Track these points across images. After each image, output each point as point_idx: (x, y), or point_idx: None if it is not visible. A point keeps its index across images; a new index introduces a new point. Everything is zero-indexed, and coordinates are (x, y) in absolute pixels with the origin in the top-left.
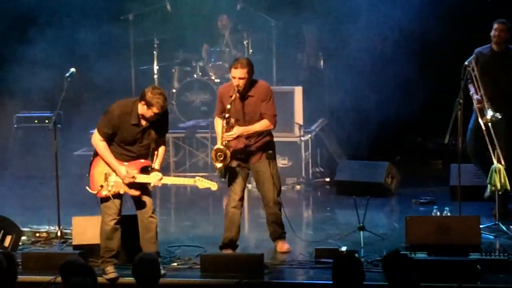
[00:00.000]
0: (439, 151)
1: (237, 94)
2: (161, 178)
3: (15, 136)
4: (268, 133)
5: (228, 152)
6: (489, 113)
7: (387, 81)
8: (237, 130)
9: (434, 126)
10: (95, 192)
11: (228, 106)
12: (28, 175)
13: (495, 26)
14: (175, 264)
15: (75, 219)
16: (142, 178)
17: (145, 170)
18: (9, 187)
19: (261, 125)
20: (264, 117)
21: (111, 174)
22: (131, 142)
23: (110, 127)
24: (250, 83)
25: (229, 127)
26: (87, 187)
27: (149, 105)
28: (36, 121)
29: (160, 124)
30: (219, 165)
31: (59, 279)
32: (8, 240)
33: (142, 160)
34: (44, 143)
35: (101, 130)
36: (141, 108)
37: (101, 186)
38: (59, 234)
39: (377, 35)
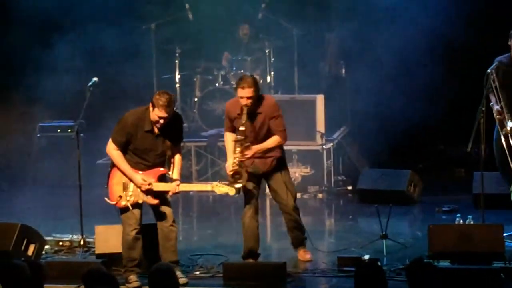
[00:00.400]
0: (462, 158)
1: (246, 114)
2: (179, 185)
3: (38, 145)
4: None
5: (245, 173)
6: (509, 124)
7: (409, 88)
8: (252, 150)
9: (456, 134)
10: (114, 202)
11: (242, 128)
12: (51, 184)
13: None
14: (198, 272)
15: (98, 227)
16: (160, 187)
17: (162, 178)
18: (32, 196)
19: (273, 141)
20: (275, 133)
21: (129, 184)
22: (145, 150)
23: (123, 135)
24: (257, 99)
25: (243, 148)
26: (106, 198)
27: (154, 106)
28: (59, 130)
29: (174, 131)
30: (238, 185)
31: (82, 287)
32: (31, 249)
33: (161, 169)
34: (66, 152)
35: (115, 138)
36: (152, 114)
37: (120, 197)
38: (82, 242)
39: (400, 42)
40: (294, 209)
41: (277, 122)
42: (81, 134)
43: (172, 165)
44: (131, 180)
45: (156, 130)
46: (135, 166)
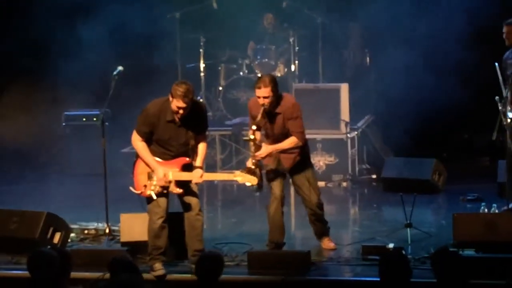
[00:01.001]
0: (486, 147)
1: (261, 114)
2: (202, 175)
3: (63, 134)
4: None
5: (259, 171)
6: (510, 115)
7: (434, 77)
8: (266, 149)
9: (481, 122)
10: (139, 192)
11: (254, 127)
12: (76, 173)
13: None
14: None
15: (123, 216)
16: (183, 176)
17: (187, 167)
18: (57, 184)
19: (290, 142)
20: (292, 134)
21: (154, 174)
22: (169, 140)
23: (147, 125)
24: (277, 99)
25: (257, 147)
26: (131, 188)
27: (173, 96)
28: (84, 119)
29: (196, 120)
30: (248, 184)
31: (107, 275)
32: (57, 237)
33: (187, 158)
34: (92, 141)
35: (139, 129)
36: (172, 104)
37: (145, 186)
38: (107, 231)
39: (426, 29)
40: (317, 205)
41: (295, 123)
42: (106, 123)
43: (196, 154)
44: (153, 172)
45: (177, 120)
46: (161, 156)
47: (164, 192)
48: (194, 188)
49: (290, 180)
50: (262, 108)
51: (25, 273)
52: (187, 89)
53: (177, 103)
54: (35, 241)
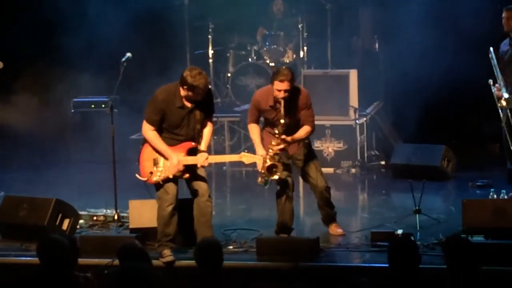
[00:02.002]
0: (496, 133)
1: (284, 107)
2: (207, 158)
3: (72, 121)
4: None
5: (280, 164)
6: (505, 95)
7: (443, 63)
8: (286, 143)
9: (491, 109)
10: (146, 179)
11: (282, 121)
12: (85, 160)
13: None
14: (231, 247)
15: (131, 202)
16: (189, 160)
17: (192, 152)
18: (66, 171)
19: (306, 132)
20: (305, 124)
21: (159, 160)
22: (178, 126)
23: (157, 112)
24: (292, 91)
25: (278, 139)
26: (137, 175)
27: (192, 88)
28: (92, 106)
29: (204, 105)
30: (276, 177)
31: (116, 262)
32: (66, 224)
33: (193, 143)
34: (100, 128)
35: (149, 118)
36: (184, 92)
37: (151, 173)
38: (116, 217)
39: (434, 18)
40: (325, 188)
41: (309, 112)
42: (115, 110)
43: (201, 138)
44: (166, 159)
45: (188, 105)
46: (170, 142)
47: (170, 177)
48: (203, 173)
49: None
50: (282, 101)
51: (35, 259)
52: (205, 75)
53: (198, 92)
54: (44, 228)
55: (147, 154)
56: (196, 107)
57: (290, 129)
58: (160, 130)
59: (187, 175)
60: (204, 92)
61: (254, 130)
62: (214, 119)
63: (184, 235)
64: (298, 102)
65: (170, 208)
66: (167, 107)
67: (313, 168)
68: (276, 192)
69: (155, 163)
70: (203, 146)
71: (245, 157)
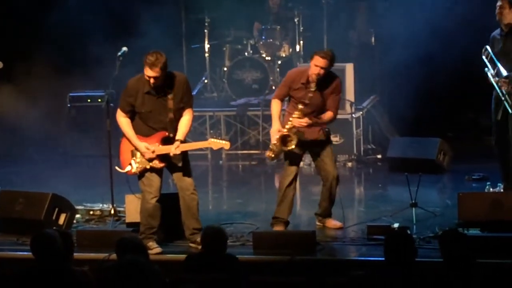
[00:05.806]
0: (491, 127)
1: (315, 84)
2: (178, 146)
3: (68, 115)
4: None
5: (296, 137)
6: (503, 73)
7: (439, 57)
8: (308, 120)
9: (486, 102)
10: (125, 171)
11: (311, 94)
12: (81, 154)
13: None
14: (228, 241)
15: (128, 196)
16: (162, 150)
17: (167, 141)
18: (62, 165)
19: (328, 117)
20: (330, 109)
21: (136, 151)
22: (149, 114)
23: (126, 98)
24: (327, 74)
25: (301, 114)
26: (116, 167)
27: (145, 64)
28: (89, 100)
29: (177, 93)
30: (291, 147)
31: (113, 256)
32: (62, 218)
33: (167, 133)
34: (97, 122)
35: (121, 104)
36: (145, 73)
37: (130, 164)
38: (112, 212)
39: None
40: (336, 177)
41: (337, 99)
42: (111, 104)
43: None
44: (135, 148)
45: (151, 88)
46: (145, 133)
47: (147, 167)
48: (187, 166)
49: (309, 154)
50: (315, 78)
51: (31, 254)
52: (156, 58)
53: (146, 72)
54: (41, 222)
55: (125, 146)
56: (165, 94)
57: (316, 110)
58: (133, 118)
59: (162, 164)
60: (158, 72)
61: (275, 105)
62: (210, 113)
63: (166, 230)
64: (329, 86)
65: (154, 200)
66: (136, 92)
67: (330, 155)
68: (280, 180)
69: (133, 154)
70: (179, 135)
71: (213, 143)
